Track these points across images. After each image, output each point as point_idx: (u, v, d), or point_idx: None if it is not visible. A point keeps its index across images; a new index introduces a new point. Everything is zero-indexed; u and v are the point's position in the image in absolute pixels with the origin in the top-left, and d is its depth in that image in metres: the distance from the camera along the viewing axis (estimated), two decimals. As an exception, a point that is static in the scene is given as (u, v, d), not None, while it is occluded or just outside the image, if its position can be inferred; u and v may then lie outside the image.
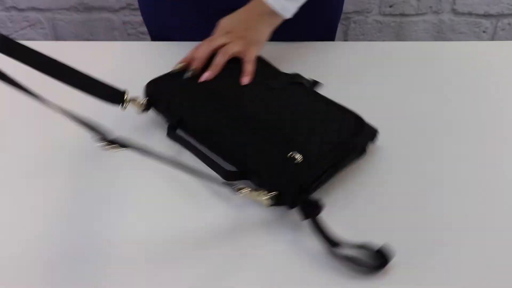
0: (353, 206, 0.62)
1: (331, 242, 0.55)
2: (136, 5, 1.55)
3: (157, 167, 0.60)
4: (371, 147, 0.69)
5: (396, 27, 1.61)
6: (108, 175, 0.67)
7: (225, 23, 0.80)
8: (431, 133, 0.75)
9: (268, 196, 0.58)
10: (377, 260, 0.55)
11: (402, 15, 1.58)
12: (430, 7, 1.56)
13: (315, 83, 0.77)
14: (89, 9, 1.56)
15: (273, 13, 0.80)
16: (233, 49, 0.76)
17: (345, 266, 0.55)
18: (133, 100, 0.71)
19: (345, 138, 0.64)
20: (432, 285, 0.54)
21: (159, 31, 1.01)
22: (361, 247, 0.55)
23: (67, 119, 0.55)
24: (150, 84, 0.74)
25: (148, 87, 0.74)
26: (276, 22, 0.81)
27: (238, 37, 0.77)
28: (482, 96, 0.81)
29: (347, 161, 0.65)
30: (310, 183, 0.60)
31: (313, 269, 0.55)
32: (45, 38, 1.64)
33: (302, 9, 0.81)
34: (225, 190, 0.62)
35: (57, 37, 1.64)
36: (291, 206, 0.59)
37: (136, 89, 0.74)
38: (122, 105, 0.70)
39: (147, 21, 1.03)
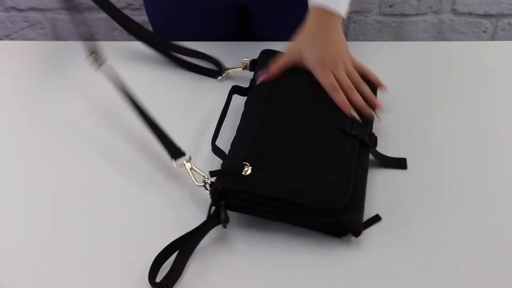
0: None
1: None
2: (136, 5, 1.55)
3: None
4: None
5: (396, 27, 1.61)
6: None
7: (310, 59, 0.74)
8: (431, 132, 0.75)
9: (206, 183, 0.62)
10: None
11: (402, 15, 1.58)
12: (430, 7, 1.56)
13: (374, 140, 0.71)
14: (89, 9, 1.56)
15: (331, 16, 0.76)
16: (346, 79, 0.73)
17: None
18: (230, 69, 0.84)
19: (323, 207, 0.58)
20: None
21: (162, 30, 1.01)
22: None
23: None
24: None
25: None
26: (339, 22, 0.77)
27: (334, 66, 0.74)
28: (482, 96, 0.81)
29: (299, 220, 0.60)
30: (237, 193, 0.59)
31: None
32: (45, 38, 1.64)
33: (305, 9, 0.81)
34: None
35: (57, 37, 1.64)
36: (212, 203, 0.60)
37: (136, 88, 0.74)
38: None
39: (150, 18, 1.03)
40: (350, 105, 0.70)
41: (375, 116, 0.71)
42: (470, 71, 0.86)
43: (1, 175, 0.69)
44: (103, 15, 0.86)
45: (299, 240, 0.59)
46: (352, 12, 1.53)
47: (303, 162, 0.62)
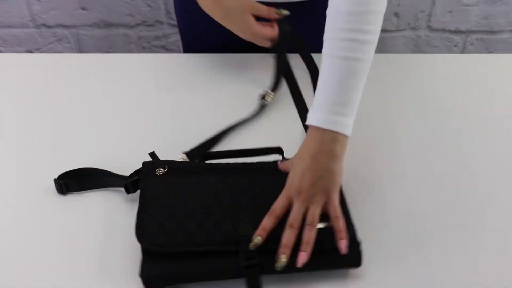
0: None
1: None
2: (150, 21, 1.55)
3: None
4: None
5: (379, 42, 1.60)
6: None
7: (291, 181, 0.58)
8: (408, 137, 0.74)
9: None
10: None
11: (384, 31, 1.58)
12: (409, 24, 1.56)
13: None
14: (109, 25, 1.56)
15: (334, 138, 0.58)
16: (316, 215, 0.55)
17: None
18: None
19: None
20: None
21: (191, 36, 0.96)
22: None
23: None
24: None
25: None
26: (344, 145, 0.59)
27: (312, 195, 0.56)
28: (453, 103, 0.81)
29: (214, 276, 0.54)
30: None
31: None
32: (71, 51, 1.64)
33: (307, 27, 0.79)
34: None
35: (81, 50, 1.64)
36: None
37: (148, 95, 0.74)
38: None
39: (180, 24, 0.97)
40: (265, 234, 0.54)
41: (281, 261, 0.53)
42: (443, 80, 0.86)
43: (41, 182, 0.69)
44: (121, 30, 0.85)
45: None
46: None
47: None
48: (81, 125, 0.76)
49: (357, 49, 0.60)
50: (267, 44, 0.79)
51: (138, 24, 1.56)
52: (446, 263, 0.57)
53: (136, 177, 0.62)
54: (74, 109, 0.79)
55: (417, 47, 1.62)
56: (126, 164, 0.64)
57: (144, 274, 0.52)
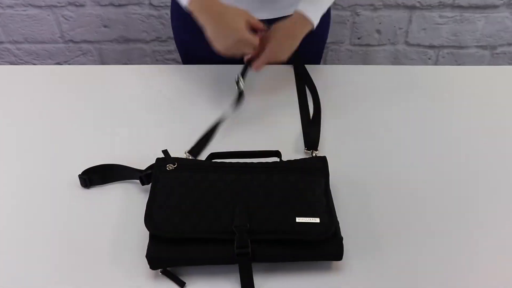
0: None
1: None
2: (163, 37, 1.55)
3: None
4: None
5: (363, 54, 1.61)
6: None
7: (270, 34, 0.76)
8: (391, 139, 0.75)
9: None
10: None
11: (368, 45, 1.59)
12: (389, 39, 1.57)
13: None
14: (127, 41, 1.57)
15: (307, 24, 0.78)
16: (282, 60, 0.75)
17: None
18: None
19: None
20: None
21: (187, 49, 0.96)
22: None
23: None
24: None
25: None
26: (306, 31, 0.78)
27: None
28: (427, 108, 0.82)
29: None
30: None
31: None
32: (94, 63, 1.65)
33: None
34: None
35: (102, 62, 1.65)
36: None
37: (161, 102, 0.74)
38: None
39: (176, 37, 0.96)
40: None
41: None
42: (418, 89, 0.87)
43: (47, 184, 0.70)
44: (138, 45, 0.85)
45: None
46: (329, 43, 1.54)
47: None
48: (102, 126, 0.77)
49: None
50: (249, 50, 0.74)
51: (153, 40, 1.57)
52: (424, 258, 0.57)
53: (149, 171, 0.63)
54: (97, 113, 0.80)
55: (396, 60, 1.63)
56: (142, 160, 0.65)
57: (149, 255, 0.53)
